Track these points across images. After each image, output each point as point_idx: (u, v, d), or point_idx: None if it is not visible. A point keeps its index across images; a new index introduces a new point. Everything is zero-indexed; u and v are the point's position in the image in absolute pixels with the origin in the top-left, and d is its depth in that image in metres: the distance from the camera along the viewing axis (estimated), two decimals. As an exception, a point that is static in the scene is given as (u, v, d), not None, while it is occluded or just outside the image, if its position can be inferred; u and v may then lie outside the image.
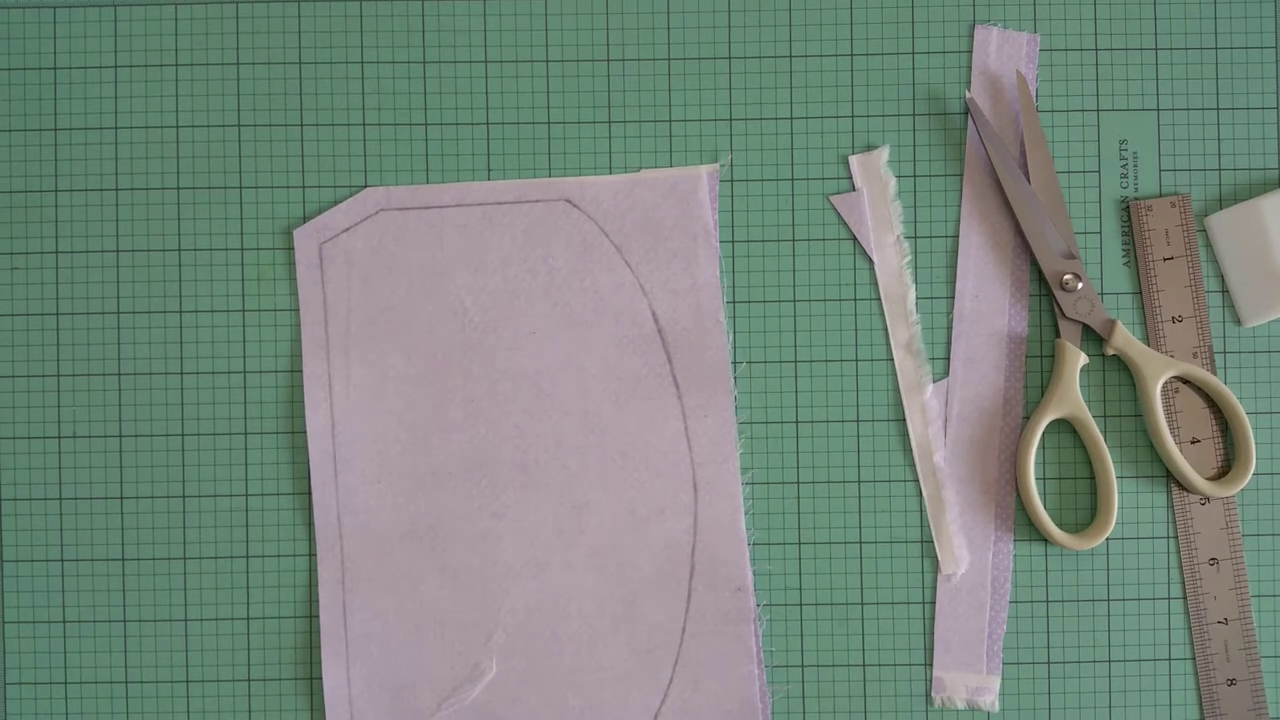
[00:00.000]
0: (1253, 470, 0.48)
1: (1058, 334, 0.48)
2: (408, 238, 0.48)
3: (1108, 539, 0.48)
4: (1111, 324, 0.48)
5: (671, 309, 0.48)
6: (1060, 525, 0.48)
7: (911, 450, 0.48)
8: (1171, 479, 0.48)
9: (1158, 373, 0.47)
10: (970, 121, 0.49)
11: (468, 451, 0.48)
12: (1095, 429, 0.48)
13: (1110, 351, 0.48)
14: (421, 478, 0.48)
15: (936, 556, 0.48)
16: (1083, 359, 0.48)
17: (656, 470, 0.48)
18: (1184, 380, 0.48)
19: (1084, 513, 0.49)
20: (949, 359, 0.49)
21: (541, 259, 0.48)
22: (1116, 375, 0.49)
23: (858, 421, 0.49)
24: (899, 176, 0.49)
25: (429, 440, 0.48)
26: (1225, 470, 0.48)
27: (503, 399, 0.48)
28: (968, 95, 0.48)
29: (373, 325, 0.48)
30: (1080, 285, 0.48)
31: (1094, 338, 0.48)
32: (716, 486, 0.48)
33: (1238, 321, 0.49)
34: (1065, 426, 0.49)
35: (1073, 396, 0.47)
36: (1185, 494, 0.48)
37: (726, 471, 0.48)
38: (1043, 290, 0.49)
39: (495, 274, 0.48)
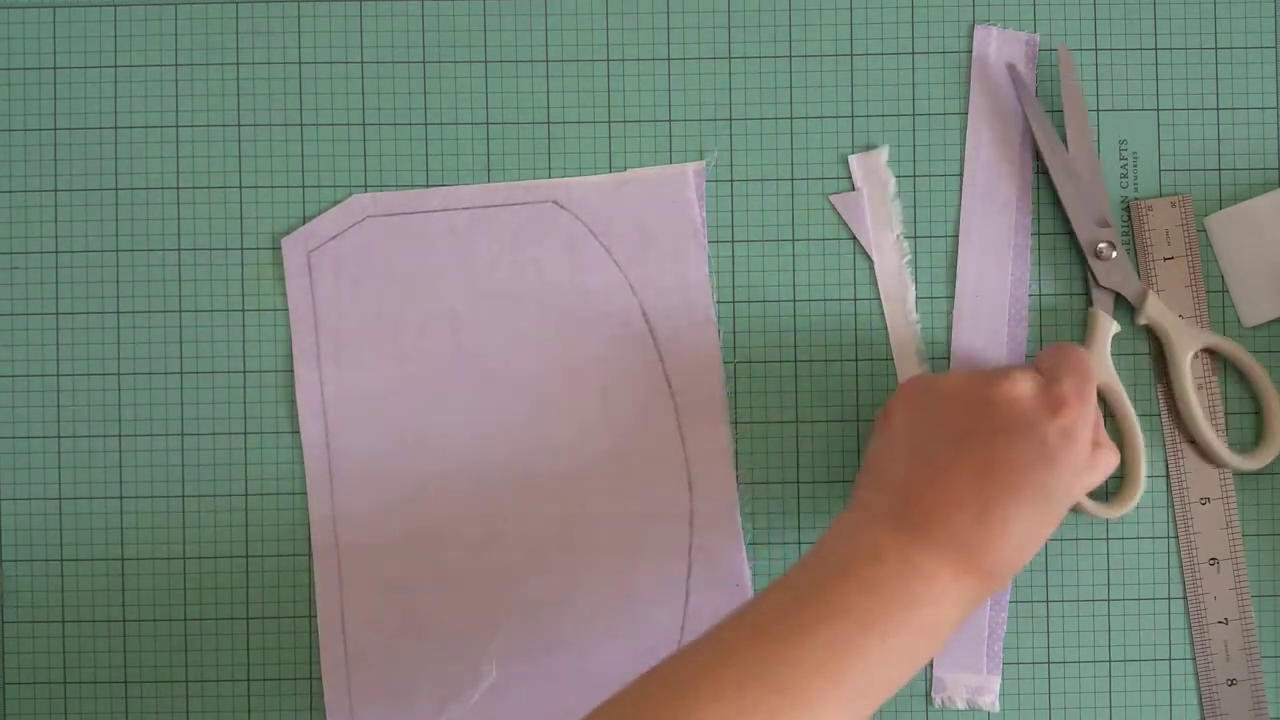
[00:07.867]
0: None
1: (1089, 303, 0.48)
2: (396, 243, 0.48)
3: (1108, 539, 0.48)
4: (1144, 293, 0.47)
5: (662, 307, 0.48)
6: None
7: (911, 450, 0.48)
8: (1176, 471, 0.48)
9: (1189, 344, 0.47)
10: (969, 116, 0.49)
11: (462, 455, 0.48)
12: (1125, 397, 0.47)
13: (1142, 321, 0.47)
14: (417, 483, 0.48)
15: (936, 556, 0.48)
16: (1115, 327, 0.47)
17: (651, 469, 0.48)
18: (1213, 353, 0.48)
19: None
20: (949, 358, 0.49)
21: (530, 261, 0.48)
22: (1131, 360, 0.48)
23: (857, 421, 0.48)
24: (899, 176, 0.49)
25: (423, 445, 0.48)
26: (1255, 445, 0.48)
27: (496, 402, 0.48)
28: (1007, 63, 0.48)
29: (364, 332, 0.48)
30: (1114, 254, 0.47)
31: (1124, 307, 0.48)
32: (711, 484, 0.48)
33: (1238, 321, 0.49)
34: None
35: (1105, 365, 0.47)
36: (1185, 494, 0.48)
37: (721, 468, 0.48)
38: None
39: (485, 277, 0.48)
